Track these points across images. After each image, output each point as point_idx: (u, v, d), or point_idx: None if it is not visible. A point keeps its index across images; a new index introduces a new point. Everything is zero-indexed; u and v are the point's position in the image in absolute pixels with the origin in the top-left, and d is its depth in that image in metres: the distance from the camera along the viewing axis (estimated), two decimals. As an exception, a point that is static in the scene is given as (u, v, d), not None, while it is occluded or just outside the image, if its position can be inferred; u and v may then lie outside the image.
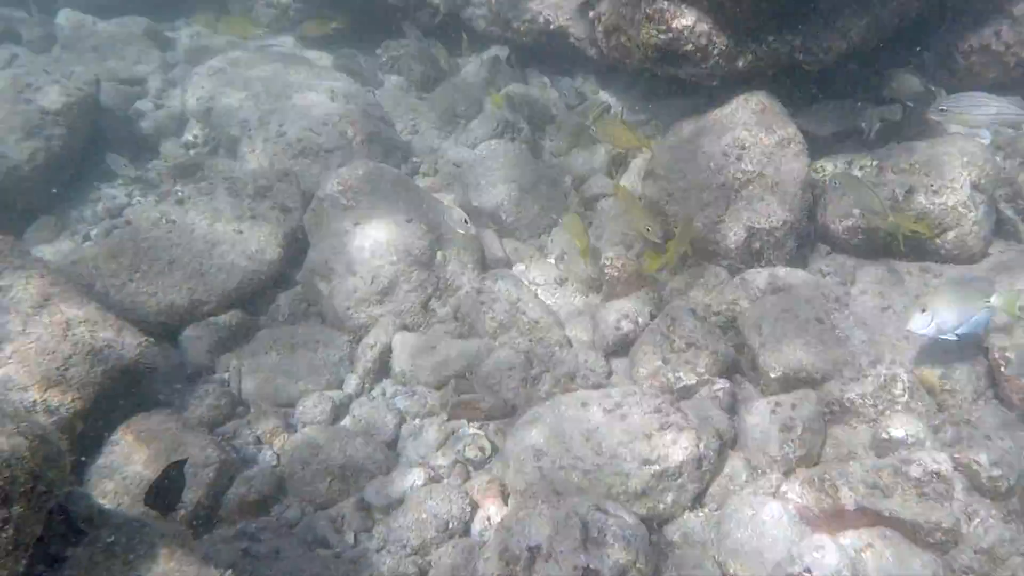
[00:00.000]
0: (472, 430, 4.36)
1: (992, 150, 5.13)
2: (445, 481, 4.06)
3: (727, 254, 4.97)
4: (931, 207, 4.65)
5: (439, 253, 5.15)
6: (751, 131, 4.99)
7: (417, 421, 4.48)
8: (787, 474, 3.82)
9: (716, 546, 3.55)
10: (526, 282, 5.12)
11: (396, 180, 5.45)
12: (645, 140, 5.40)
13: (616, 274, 4.92)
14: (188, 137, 6.84)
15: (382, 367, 4.81)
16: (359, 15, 7.78)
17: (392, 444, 4.39)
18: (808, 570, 3.21)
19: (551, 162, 6.25)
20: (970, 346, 4.10)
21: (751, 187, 4.91)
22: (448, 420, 4.43)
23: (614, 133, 5.39)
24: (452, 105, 6.85)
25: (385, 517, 3.90)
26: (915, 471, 3.47)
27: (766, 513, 3.51)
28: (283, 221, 5.45)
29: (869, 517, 3.43)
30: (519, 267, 5.46)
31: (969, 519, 3.34)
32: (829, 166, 5.29)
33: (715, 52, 4.94)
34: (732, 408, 4.20)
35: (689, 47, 4.93)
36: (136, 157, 6.52)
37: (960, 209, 4.64)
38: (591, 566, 3.21)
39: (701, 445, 3.79)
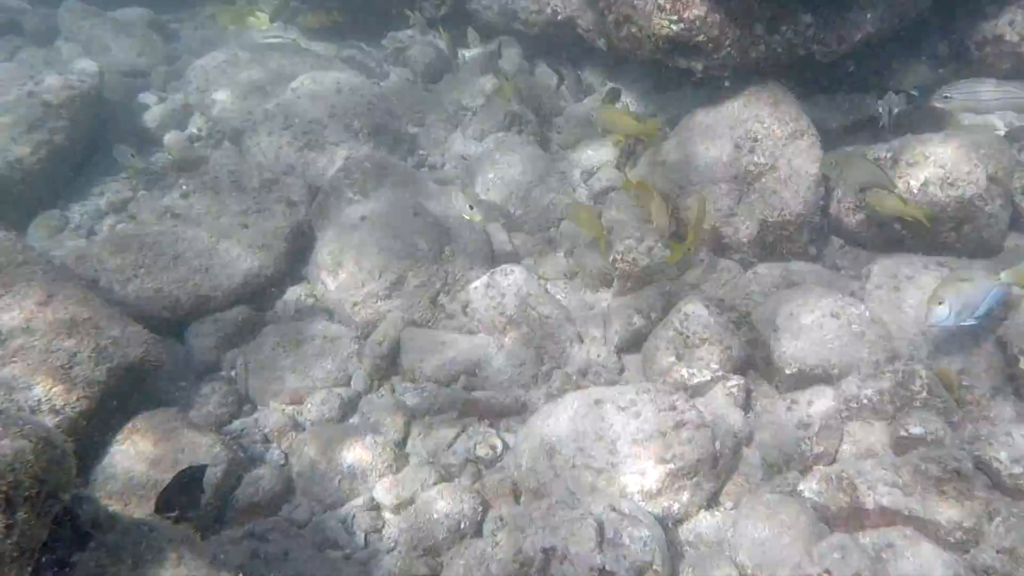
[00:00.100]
0: (482, 428, 4.30)
1: (1008, 141, 5.06)
2: (456, 480, 4.00)
3: (740, 248, 4.91)
4: (946, 200, 4.59)
5: (447, 247, 5.08)
6: (763, 123, 4.93)
7: (426, 418, 4.42)
8: (804, 472, 3.77)
9: (732, 546, 3.48)
10: (535, 276, 5.05)
11: (403, 173, 5.37)
12: (645, 125, 5.29)
13: (627, 268, 4.85)
14: (192, 130, 6.78)
15: (390, 363, 4.74)
16: (362, 5, 7.72)
17: (401, 443, 4.33)
18: (828, 571, 3.16)
19: (559, 154, 6.18)
20: (989, 342, 4.05)
21: (764, 180, 4.85)
22: (458, 418, 4.36)
23: (613, 118, 5.30)
24: (458, 97, 6.78)
25: (395, 517, 3.84)
26: (935, 469, 3.41)
27: (783, 512, 3.45)
28: (289, 215, 5.38)
29: (888, 516, 3.38)
30: (528, 261, 5.39)
31: (990, 517, 3.28)
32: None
33: (727, 43, 4.86)
34: (747, 405, 4.15)
35: (701, 37, 4.85)
36: (140, 150, 6.43)
37: (976, 202, 4.58)
38: (607, 567, 3.16)
39: (716, 443, 3.74)
